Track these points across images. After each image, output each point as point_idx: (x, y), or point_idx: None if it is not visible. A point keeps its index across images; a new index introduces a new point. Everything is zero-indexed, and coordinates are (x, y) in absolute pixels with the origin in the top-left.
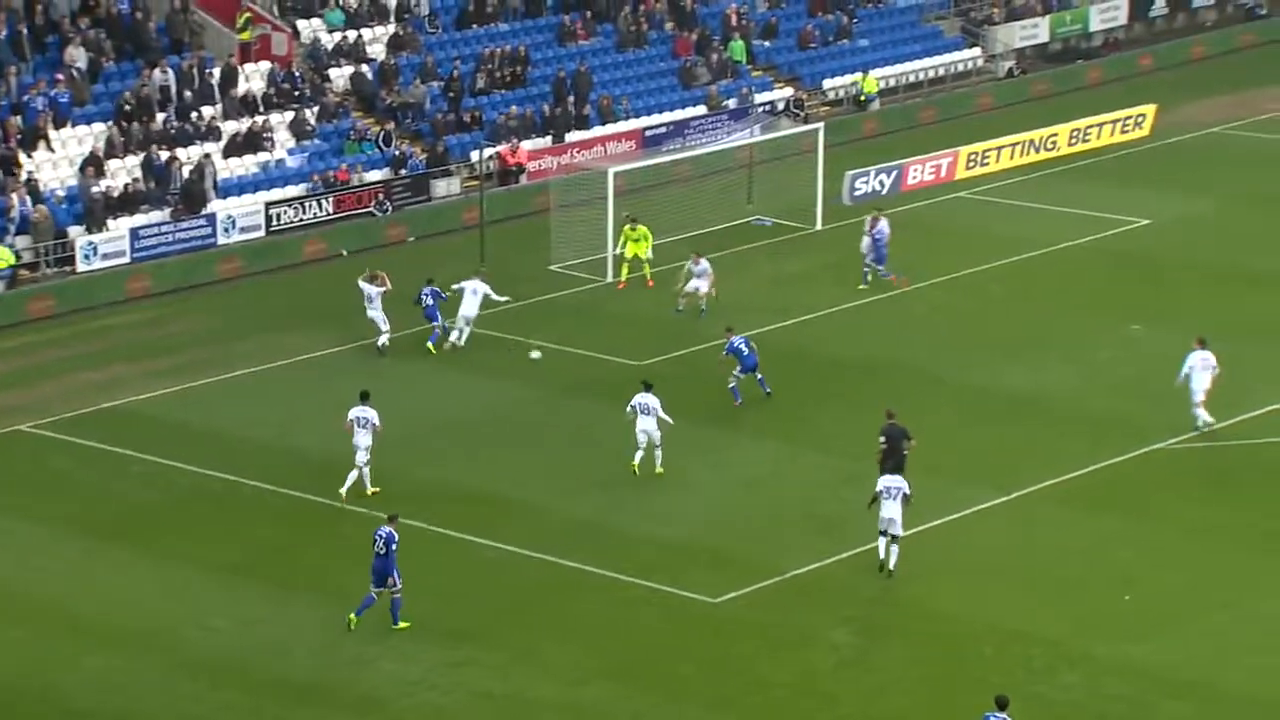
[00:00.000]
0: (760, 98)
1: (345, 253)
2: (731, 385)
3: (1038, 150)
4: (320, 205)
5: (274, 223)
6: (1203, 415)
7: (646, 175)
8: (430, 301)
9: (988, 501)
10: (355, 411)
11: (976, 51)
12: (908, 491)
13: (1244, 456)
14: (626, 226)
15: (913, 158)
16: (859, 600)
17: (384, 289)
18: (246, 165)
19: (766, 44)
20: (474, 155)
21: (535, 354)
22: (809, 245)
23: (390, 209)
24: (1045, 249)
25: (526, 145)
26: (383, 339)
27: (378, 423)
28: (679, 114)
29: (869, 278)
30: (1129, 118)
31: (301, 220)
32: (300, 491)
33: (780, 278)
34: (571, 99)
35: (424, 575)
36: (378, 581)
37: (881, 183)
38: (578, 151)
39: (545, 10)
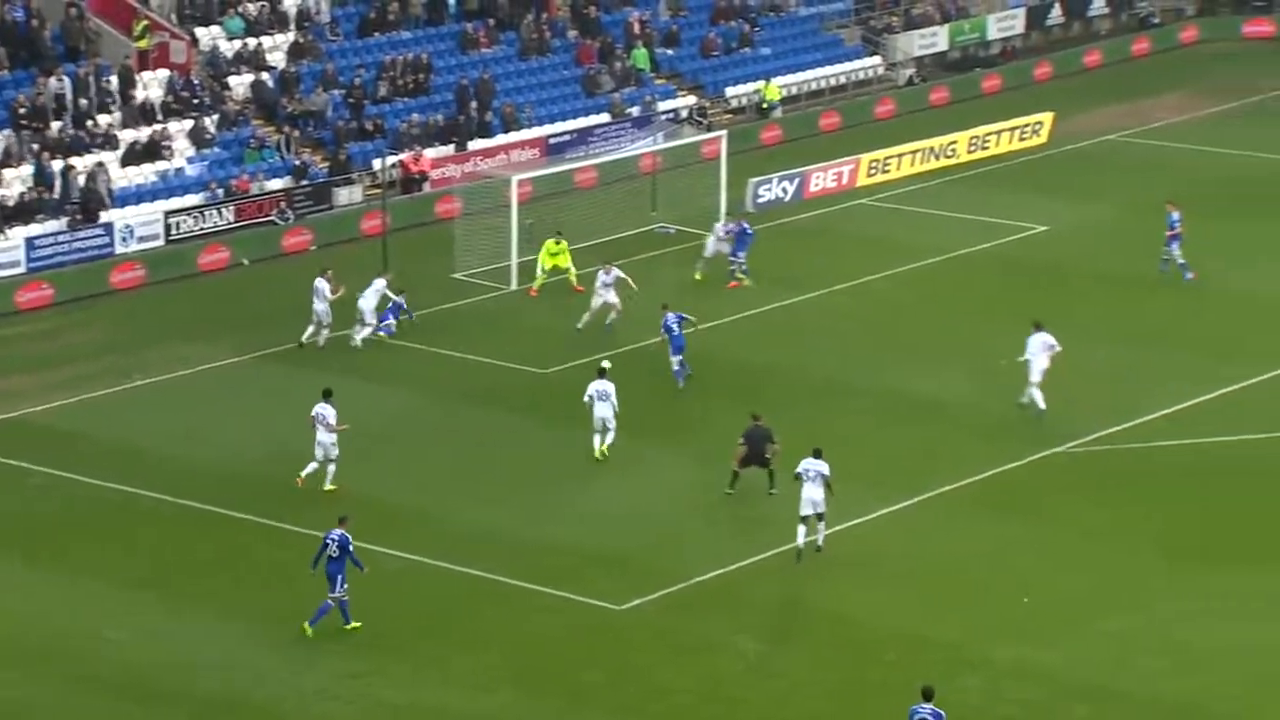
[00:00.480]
0: (663, 106)
1: (246, 262)
2: (675, 370)
3: (938, 158)
4: (220, 214)
5: (173, 232)
6: (1036, 396)
7: (550, 183)
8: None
9: (892, 506)
10: (314, 409)
11: (877, 60)
12: (827, 474)
13: (1139, 460)
14: (551, 240)
15: (815, 165)
16: (765, 606)
17: (336, 292)
18: (145, 174)
19: (669, 52)
20: (376, 164)
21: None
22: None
23: (292, 218)
24: (945, 255)
25: (429, 153)
26: (318, 334)
27: (331, 420)
28: (582, 122)
29: (740, 276)
30: (1027, 125)
31: (201, 229)
32: (201, 503)
33: (685, 285)
34: (474, 107)
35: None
36: (331, 586)
37: (784, 190)
38: (481, 160)
39: (447, 18)
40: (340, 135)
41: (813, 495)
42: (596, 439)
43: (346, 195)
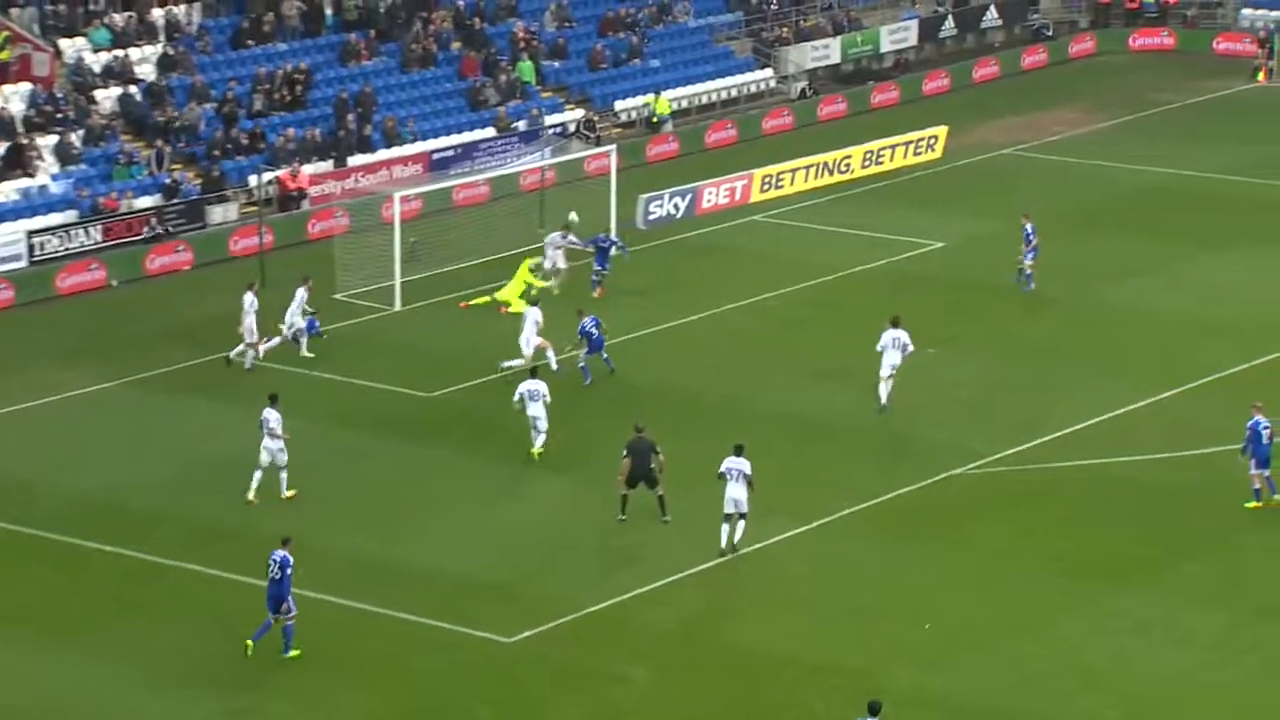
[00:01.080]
0: (550, 119)
1: (115, 283)
2: (581, 365)
3: (832, 173)
4: (88, 233)
5: (37, 252)
6: (883, 392)
7: (434, 200)
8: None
9: (789, 531)
10: (263, 413)
11: (768, 72)
12: (748, 473)
13: (1041, 480)
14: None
15: (707, 180)
16: (658, 636)
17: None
18: (6, 191)
19: (556, 64)
20: (252, 180)
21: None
22: (624, 272)
23: (164, 237)
24: (840, 273)
25: (307, 169)
26: (245, 353)
27: (275, 426)
28: (467, 136)
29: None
30: (921, 139)
31: (67, 249)
32: (67, 535)
33: (574, 304)
34: (354, 121)
35: (203, 622)
36: (273, 607)
37: (676, 206)
38: (361, 176)
39: (326, 29)
40: (213, 150)
41: (735, 494)
42: (536, 437)
43: (221, 213)
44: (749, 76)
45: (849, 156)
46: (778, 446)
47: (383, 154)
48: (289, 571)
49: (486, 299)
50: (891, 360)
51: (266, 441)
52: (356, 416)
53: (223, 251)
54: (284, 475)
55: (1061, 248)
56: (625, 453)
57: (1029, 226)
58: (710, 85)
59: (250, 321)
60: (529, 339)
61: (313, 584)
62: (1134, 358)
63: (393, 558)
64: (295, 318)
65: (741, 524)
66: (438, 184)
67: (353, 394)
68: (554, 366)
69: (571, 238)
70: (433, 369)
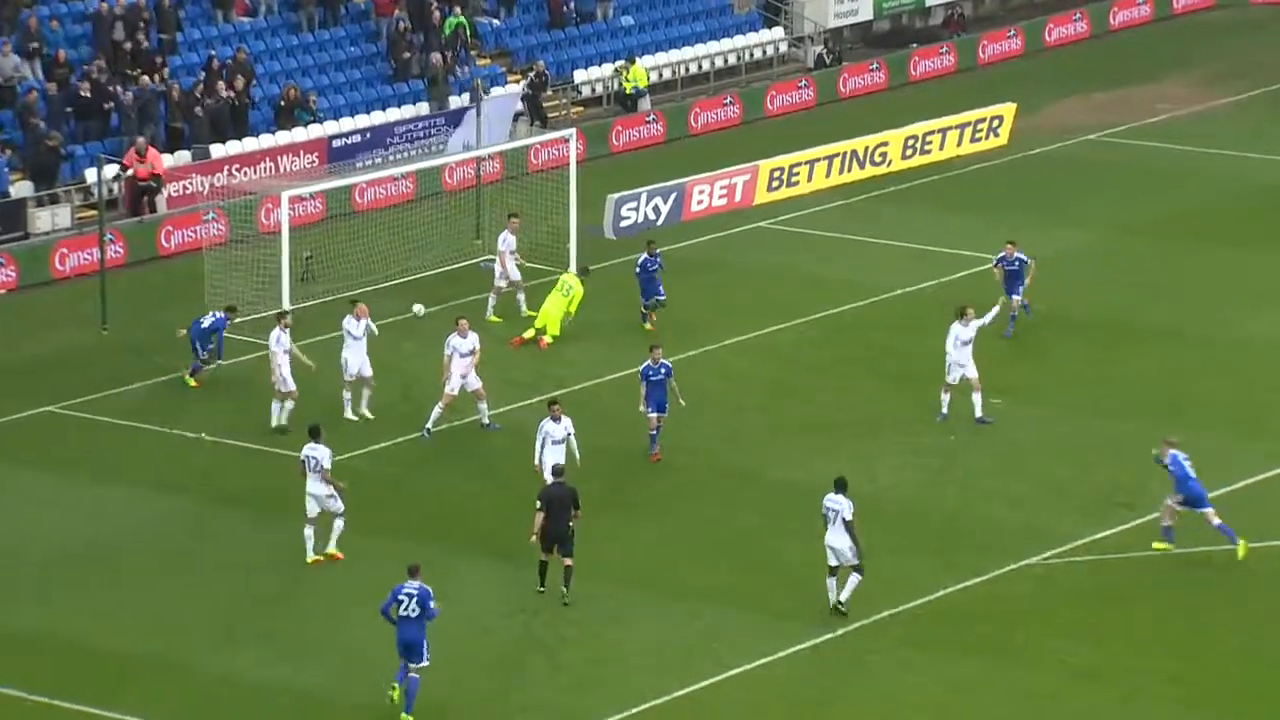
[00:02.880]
0: (491, 94)
1: None
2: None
3: (863, 165)
4: None
5: None
6: (945, 400)
7: (336, 201)
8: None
9: (806, 640)
10: (304, 450)
11: (778, 33)
12: (848, 517)
13: (1144, 573)
14: (575, 276)
15: (697, 176)
16: None
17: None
18: None
19: (496, 22)
20: (90, 174)
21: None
22: (499, 293)
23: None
24: (875, 297)
25: (167, 160)
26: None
27: (325, 463)
28: (379, 117)
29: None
30: (981, 122)
31: None
32: None
33: (527, 339)
34: (229, 94)
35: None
36: (405, 652)
37: (656, 209)
38: (238, 168)
39: None
40: (39, 130)
41: (833, 541)
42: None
43: (49, 219)
44: (752, 38)
45: (885, 144)
46: (796, 528)
47: (267, 139)
48: (431, 605)
49: (532, 331)
50: (959, 359)
51: (312, 487)
52: (234, 488)
53: (46, 272)
54: (338, 525)
55: (1171, 265)
56: (539, 503)
57: (1017, 255)
58: (701, 49)
59: (283, 368)
60: (456, 378)
61: (166, 714)
62: (1274, 410)
63: (258, 676)
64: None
65: (854, 579)
66: (340, 180)
67: (230, 457)
68: (485, 422)
69: (508, 239)
70: (329, 424)
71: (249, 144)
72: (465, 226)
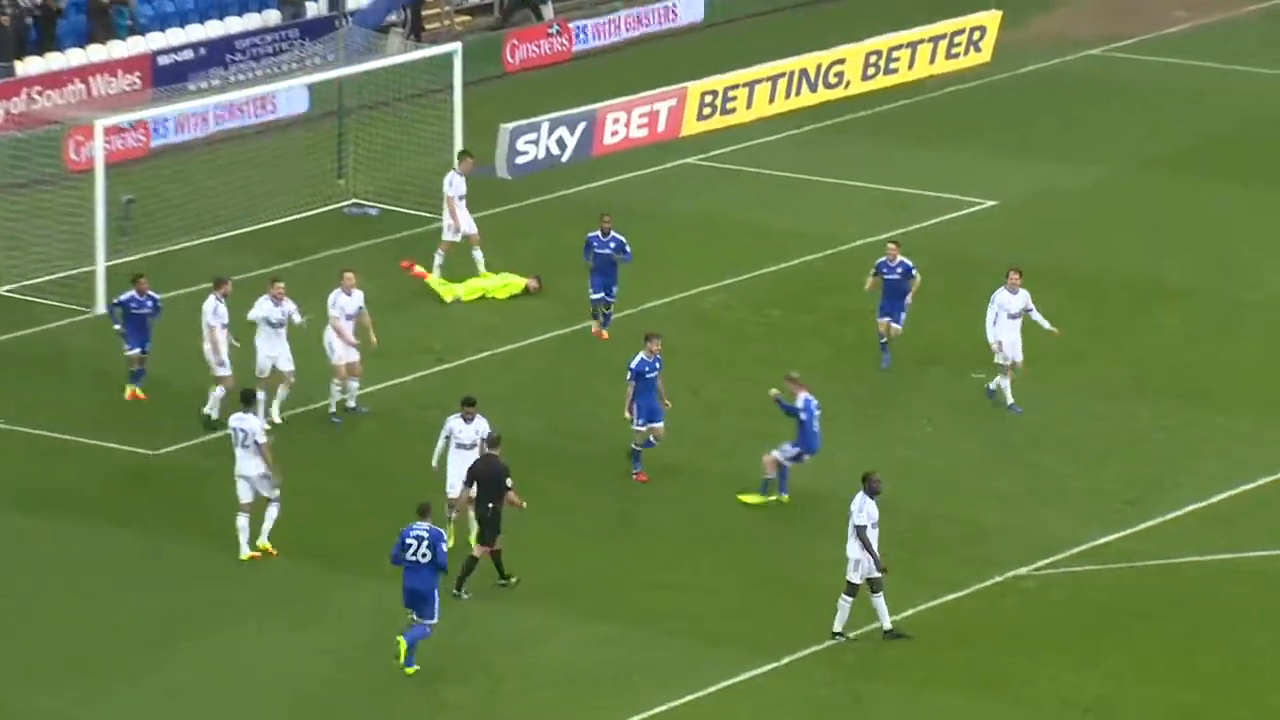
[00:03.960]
0: (354, 2)
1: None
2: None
3: (815, 88)
4: None
5: None
6: (1005, 387)
7: (162, 133)
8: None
9: (749, 670)
10: (231, 420)
11: None
12: (858, 521)
13: (1155, 585)
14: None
15: (611, 101)
16: None
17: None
18: None
19: None
20: None
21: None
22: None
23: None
24: (829, 250)
25: None
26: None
27: (259, 436)
28: (216, 28)
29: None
30: (958, 34)
31: None
32: None
33: (404, 303)
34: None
35: (412, 608)
36: (412, 604)
37: (561, 143)
38: (39, 91)
39: None
40: None
41: (850, 552)
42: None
43: None
44: None
45: (841, 62)
46: (746, 533)
47: (75, 55)
48: (443, 548)
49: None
50: (1011, 340)
51: (242, 465)
52: (26, 495)
53: None
54: (272, 513)
55: (1190, 208)
56: (467, 478)
57: (902, 260)
58: None
59: (221, 348)
60: (344, 347)
61: None
62: None
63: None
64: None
65: (876, 601)
66: (168, 106)
67: (23, 453)
68: (352, 404)
69: (456, 182)
70: (160, 409)
71: (54, 61)
72: (325, 163)
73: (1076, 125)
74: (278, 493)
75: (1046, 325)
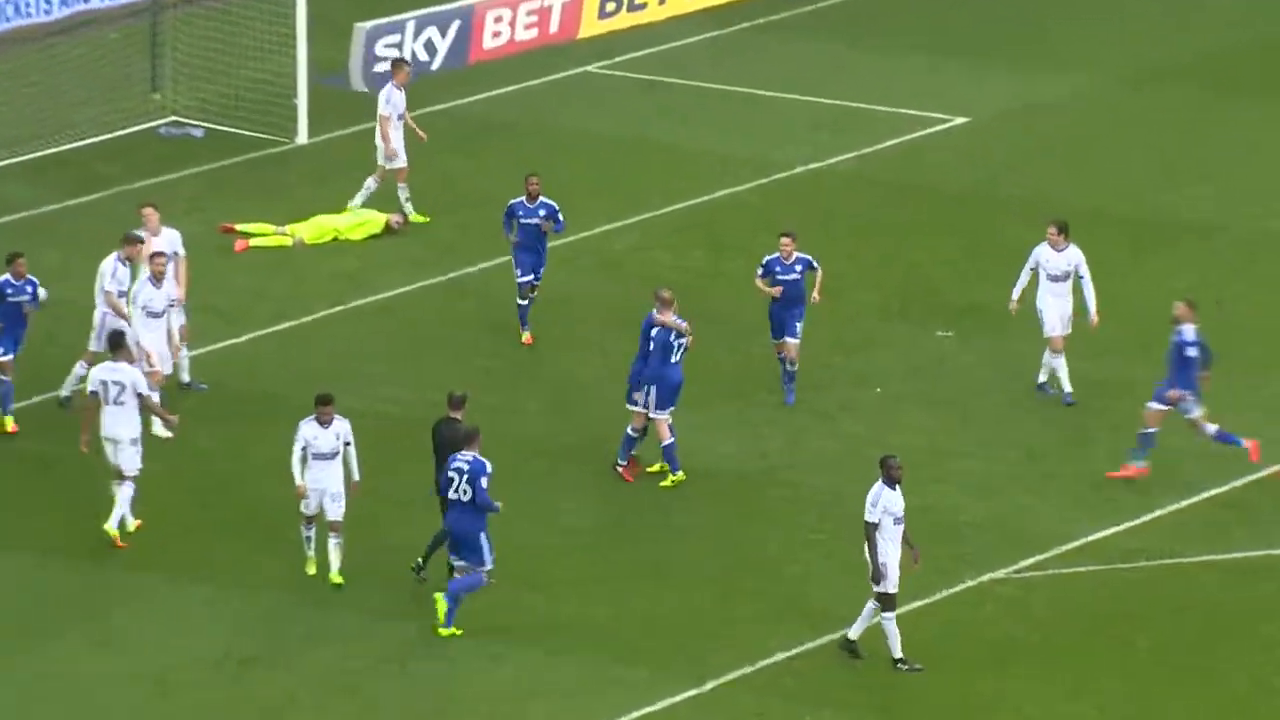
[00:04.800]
0: None
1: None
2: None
3: None
4: None
5: None
6: (1061, 374)
7: None
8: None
9: (669, 697)
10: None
11: None
12: (868, 516)
13: (1159, 590)
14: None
15: None
16: None
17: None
18: None
19: None
20: None
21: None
22: (288, 178)
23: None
24: (762, 178)
25: None
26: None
27: (143, 388)
28: None
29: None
30: None
31: None
32: None
33: (231, 246)
34: None
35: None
36: (457, 550)
37: (430, 47)
38: None
39: None
40: None
41: (889, 558)
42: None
43: None
44: None
45: None
46: (665, 526)
47: None
48: (484, 482)
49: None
50: (1060, 311)
51: (110, 426)
52: None
53: None
54: (125, 493)
55: (1200, 129)
56: (434, 445)
57: (800, 257)
58: None
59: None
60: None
61: None
62: None
63: None
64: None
65: (886, 625)
66: None
67: None
68: (186, 379)
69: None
70: None
71: None
72: (137, 72)
73: (1060, 27)
74: (136, 465)
75: (1092, 306)
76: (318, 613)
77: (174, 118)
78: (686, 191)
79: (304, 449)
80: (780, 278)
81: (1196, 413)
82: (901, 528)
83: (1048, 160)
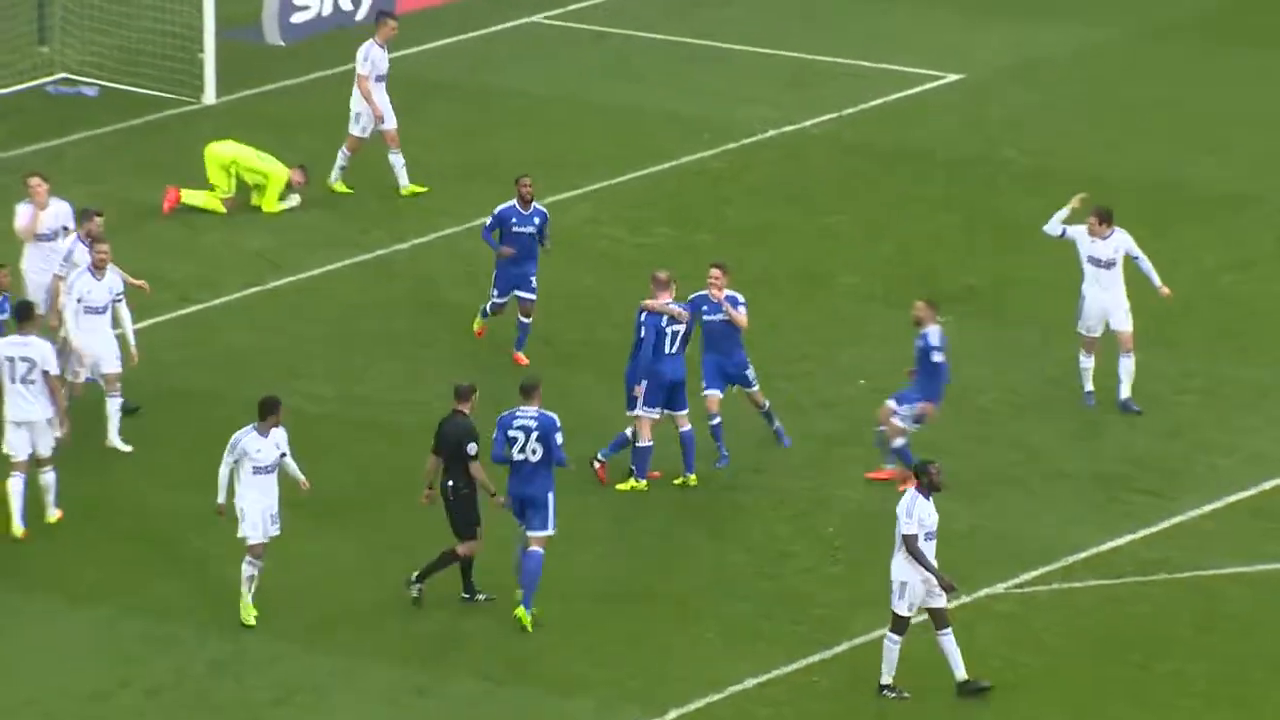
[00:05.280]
0: None
1: None
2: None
3: None
4: None
5: None
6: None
7: None
8: None
9: None
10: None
11: None
12: (903, 529)
13: (1183, 606)
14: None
15: None
16: None
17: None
18: None
19: None
20: None
21: None
22: (194, 143)
23: None
24: (730, 143)
25: None
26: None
27: (52, 366)
28: None
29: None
30: None
31: None
32: None
33: (135, 221)
34: None
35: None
36: (522, 513)
37: None
38: None
39: None
40: None
41: (894, 572)
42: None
43: None
44: None
45: None
46: (617, 534)
47: None
48: (557, 438)
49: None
50: (1101, 305)
51: (13, 408)
52: None
53: None
54: (49, 480)
55: (1223, 85)
56: (435, 443)
57: (730, 296)
58: None
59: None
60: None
61: None
62: None
63: None
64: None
65: (942, 641)
66: None
67: None
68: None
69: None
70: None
71: None
72: (22, 24)
73: None
74: (49, 445)
75: (1155, 279)
76: (226, 640)
77: (64, 75)
78: (645, 158)
79: (237, 461)
80: (707, 318)
81: (904, 427)
82: (933, 544)
83: (1053, 121)
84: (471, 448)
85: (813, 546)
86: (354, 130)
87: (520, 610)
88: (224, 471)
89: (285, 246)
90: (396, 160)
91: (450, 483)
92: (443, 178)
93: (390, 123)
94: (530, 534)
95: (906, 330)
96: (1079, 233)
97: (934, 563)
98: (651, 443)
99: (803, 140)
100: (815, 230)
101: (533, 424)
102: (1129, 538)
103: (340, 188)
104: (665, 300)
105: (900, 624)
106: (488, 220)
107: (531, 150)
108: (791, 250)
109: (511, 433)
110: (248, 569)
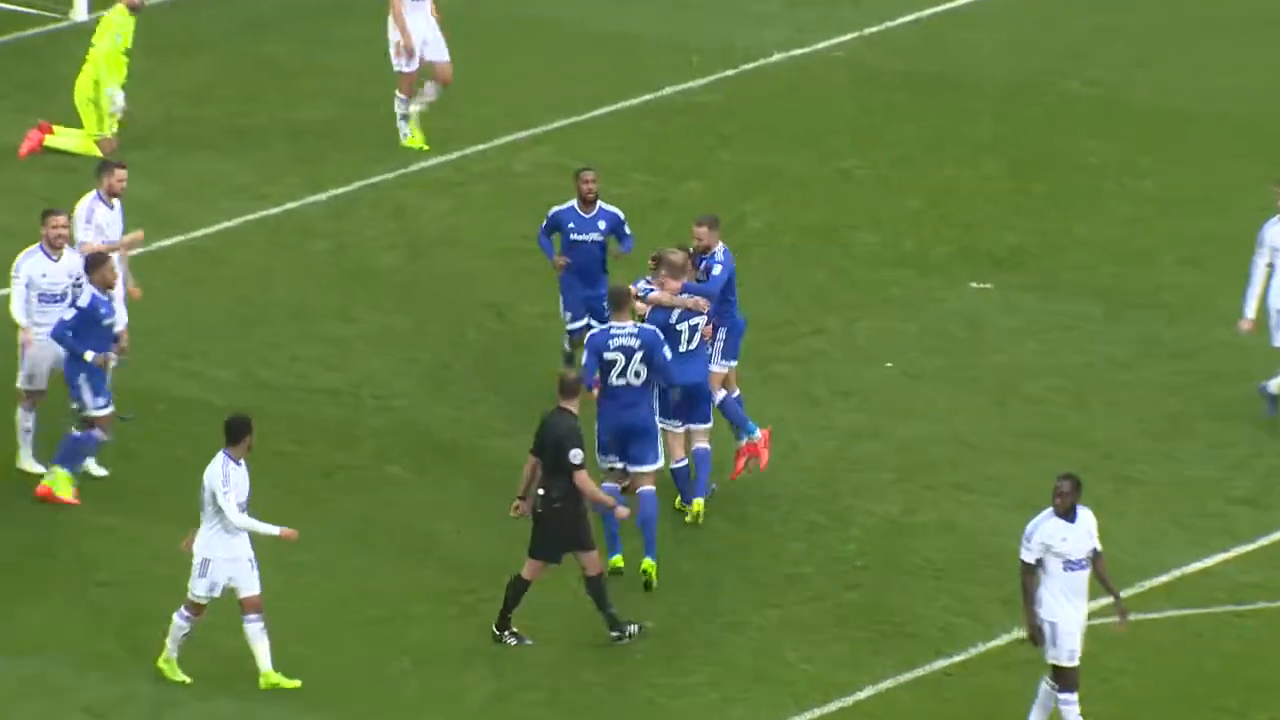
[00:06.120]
0: None
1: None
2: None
3: None
4: None
5: None
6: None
7: None
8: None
9: None
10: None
11: None
12: (1026, 555)
13: (1245, 640)
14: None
15: None
16: None
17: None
18: None
19: None
20: None
21: None
22: (60, 66)
23: None
24: (721, 72)
25: None
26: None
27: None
28: None
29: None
30: None
31: None
32: None
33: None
34: None
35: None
36: (623, 448)
37: None
38: None
39: None
40: None
41: (1057, 616)
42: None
43: None
44: None
45: None
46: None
47: None
48: (666, 353)
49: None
50: None
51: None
52: None
53: None
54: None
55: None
56: (534, 445)
57: (721, 251)
58: None
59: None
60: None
61: None
62: None
63: None
64: None
65: (1065, 711)
66: None
67: None
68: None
69: None
70: None
71: None
72: None
73: None
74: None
75: None
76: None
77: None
78: (620, 90)
79: (223, 492)
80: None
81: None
82: (1083, 574)
83: (1125, 46)
84: (575, 454)
85: (826, 568)
86: (397, 65)
87: (647, 562)
88: (227, 501)
89: (173, 198)
90: (429, 93)
91: (543, 491)
92: (377, 115)
93: (435, 54)
94: (638, 470)
95: (942, 299)
96: (1270, 234)
97: (1046, 609)
98: (685, 460)
99: (815, 66)
100: (829, 177)
101: (634, 342)
102: (1221, 556)
103: (413, 142)
104: (674, 289)
105: (1065, 677)
106: (543, 221)
107: (486, 80)
108: (800, 202)
109: (609, 355)
110: (184, 621)
